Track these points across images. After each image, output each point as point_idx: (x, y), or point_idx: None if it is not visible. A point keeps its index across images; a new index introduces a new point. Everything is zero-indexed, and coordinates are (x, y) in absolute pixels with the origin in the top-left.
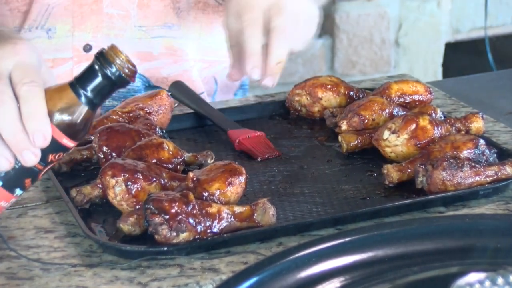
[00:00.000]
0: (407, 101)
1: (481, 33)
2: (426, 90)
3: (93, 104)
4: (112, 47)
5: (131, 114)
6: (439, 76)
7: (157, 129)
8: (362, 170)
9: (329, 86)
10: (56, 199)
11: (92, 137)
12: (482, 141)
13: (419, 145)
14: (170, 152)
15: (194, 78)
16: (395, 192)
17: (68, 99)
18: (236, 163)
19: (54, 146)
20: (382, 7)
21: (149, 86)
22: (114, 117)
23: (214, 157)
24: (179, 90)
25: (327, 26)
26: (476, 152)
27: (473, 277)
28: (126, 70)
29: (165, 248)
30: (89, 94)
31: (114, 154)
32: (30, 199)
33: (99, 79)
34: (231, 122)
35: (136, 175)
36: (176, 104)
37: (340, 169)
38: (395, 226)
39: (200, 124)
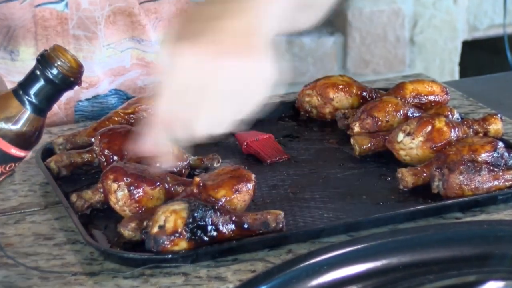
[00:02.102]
0: (422, 101)
1: (500, 30)
2: (442, 90)
3: (39, 110)
4: (55, 48)
5: (134, 116)
6: (456, 76)
7: None
8: (375, 174)
9: (341, 86)
10: (55, 204)
11: (93, 140)
12: (501, 144)
13: (435, 148)
14: (175, 155)
15: None
16: (410, 197)
17: (12, 107)
18: (246, 168)
19: (3, 158)
20: (397, 4)
21: (127, 98)
22: (116, 118)
23: (220, 160)
24: None
25: (339, 24)
26: (494, 155)
27: (492, 286)
28: (69, 71)
29: (170, 256)
30: (33, 99)
31: (116, 157)
32: (28, 204)
33: (41, 83)
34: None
35: (139, 179)
36: None
37: (353, 173)
38: (410, 233)
39: None
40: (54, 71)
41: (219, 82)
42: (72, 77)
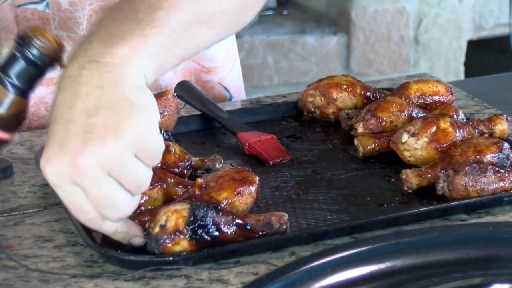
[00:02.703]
0: (427, 102)
1: (506, 30)
2: (447, 90)
3: (21, 91)
4: (33, 28)
5: None
6: (461, 76)
7: (162, 132)
8: (379, 175)
9: (345, 86)
10: (55, 205)
11: None
12: (506, 145)
13: (439, 149)
14: (176, 156)
15: (163, 86)
16: (414, 199)
17: None
18: (250, 170)
19: None
20: (401, 3)
21: None
22: None
23: (222, 161)
24: (185, 90)
25: (343, 23)
26: (500, 156)
27: None
28: (49, 50)
29: (171, 258)
30: (14, 81)
31: None
32: (27, 206)
33: (21, 64)
34: (240, 124)
35: None
36: (182, 106)
37: (356, 174)
38: (415, 235)
39: (207, 127)
40: (34, 51)
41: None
42: (53, 57)
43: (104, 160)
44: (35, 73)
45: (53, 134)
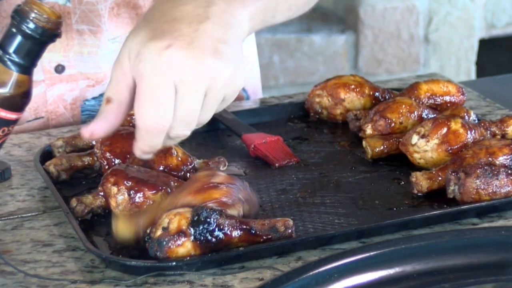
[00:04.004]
0: (437, 102)
1: None
2: (458, 90)
3: (23, 68)
4: (27, 1)
5: None
6: (472, 76)
7: None
8: (388, 178)
9: (353, 87)
10: (54, 209)
11: (94, 142)
12: None
13: (450, 151)
14: (179, 159)
15: None
16: (425, 202)
17: None
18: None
19: None
20: (411, 0)
21: None
22: None
23: (227, 163)
24: None
25: (351, 21)
26: None
27: None
28: (46, 23)
29: (174, 263)
30: (14, 58)
31: (118, 160)
32: (26, 209)
33: (19, 39)
34: (245, 125)
35: (140, 183)
36: None
37: (365, 177)
38: (425, 239)
39: (211, 128)
40: (31, 25)
41: (201, 84)
42: (51, 29)
43: (216, 78)
44: (35, 47)
45: (181, 30)
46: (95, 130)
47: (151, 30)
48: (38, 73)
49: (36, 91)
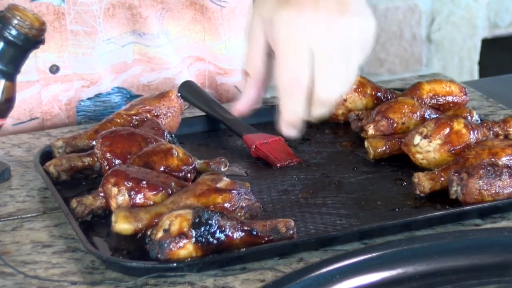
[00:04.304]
0: (440, 102)
1: None
2: (461, 90)
3: (6, 75)
4: (9, 8)
5: (137, 117)
6: (475, 76)
7: (165, 134)
8: (390, 178)
9: (355, 87)
10: (54, 210)
11: (94, 142)
12: None
13: (453, 151)
14: (180, 159)
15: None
16: (427, 203)
17: None
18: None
19: None
20: (413, 0)
21: (130, 97)
22: (118, 120)
23: (228, 164)
24: (189, 91)
25: None
26: None
27: None
28: (29, 29)
29: (175, 265)
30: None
31: (118, 161)
32: (25, 210)
33: (2, 46)
34: (246, 125)
35: (141, 184)
36: (186, 106)
37: (367, 178)
38: (427, 240)
39: (212, 128)
40: (13, 32)
41: (335, 42)
42: (34, 36)
43: (347, 33)
44: (18, 54)
45: None
46: (241, 108)
47: None
48: (32, 73)
49: (30, 92)
